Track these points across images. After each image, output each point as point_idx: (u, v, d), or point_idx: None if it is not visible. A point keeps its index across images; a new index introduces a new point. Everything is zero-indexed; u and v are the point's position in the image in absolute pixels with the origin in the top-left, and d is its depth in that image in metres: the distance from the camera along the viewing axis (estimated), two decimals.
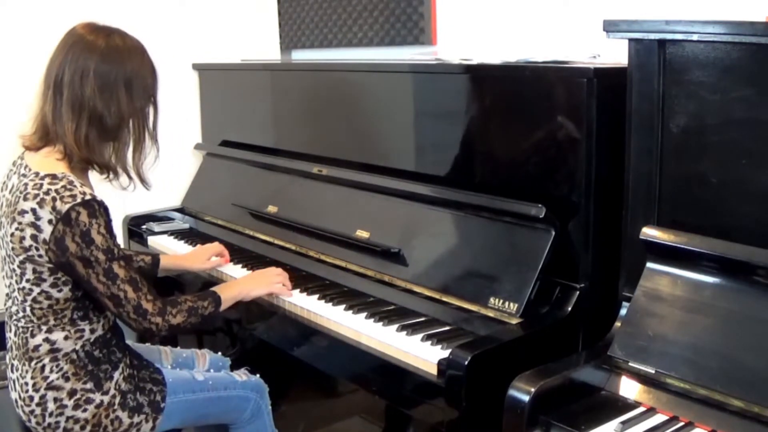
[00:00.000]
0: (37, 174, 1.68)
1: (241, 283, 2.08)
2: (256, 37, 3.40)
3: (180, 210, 3.09)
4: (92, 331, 1.77)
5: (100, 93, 1.70)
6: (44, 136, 1.74)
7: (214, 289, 1.97)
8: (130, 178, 1.81)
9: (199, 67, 3.22)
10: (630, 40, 1.64)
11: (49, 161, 1.71)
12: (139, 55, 1.76)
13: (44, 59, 1.79)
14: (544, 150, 1.91)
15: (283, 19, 3.47)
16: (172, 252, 2.68)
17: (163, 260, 2.27)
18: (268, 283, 2.12)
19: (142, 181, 1.84)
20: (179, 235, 2.84)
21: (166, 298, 1.82)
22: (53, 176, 1.67)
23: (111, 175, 1.80)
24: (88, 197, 1.65)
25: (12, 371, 1.79)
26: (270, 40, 3.46)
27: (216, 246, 2.42)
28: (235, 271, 2.40)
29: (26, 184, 1.67)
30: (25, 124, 1.78)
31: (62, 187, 1.65)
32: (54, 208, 1.63)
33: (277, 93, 2.89)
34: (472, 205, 2.02)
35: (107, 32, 1.75)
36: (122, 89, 1.72)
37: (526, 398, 1.46)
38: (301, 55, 3.45)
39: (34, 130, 1.76)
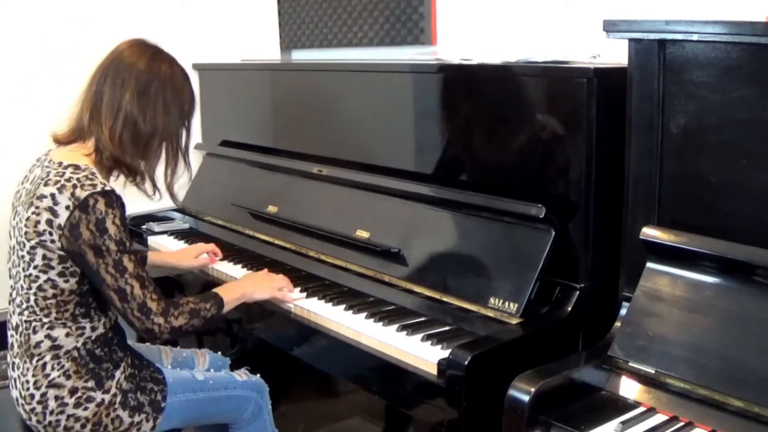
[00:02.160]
0: (60, 164, 1.74)
1: (243, 285, 2.05)
2: (256, 37, 3.40)
3: (180, 210, 3.09)
4: (93, 329, 1.78)
5: (138, 98, 1.78)
6: (77, 131, 1.81)
7: (216, 290, 1.95)
8: (155, 188, 1.88)
9: (199, 67, 3.22)
10: (630, 40, 1.64)
11: (75, 155, 1.77)
12: (180, 81, 1.86)
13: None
14: (544, 150, 1.91)
15: (283, 19, 3.47)
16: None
17: (151, 256, 2.30)
18: (272, 287, 2.10)
19: (173, 197, 1.93)
20: (179, 235, 2.84)
21: (170, 299, 1.81)
22: (76, 166, 1.72)
23: (138, 179, 1.86)
24: (107, 188, 1.70)
25: (13, 369, 1.79)
26: (270, 40, 3.46)
27: (206, 245, 2.44)
28: (236, 271, 2.40)
29: (48, 172, 1.72)
30: (60, 124, 1.85)
31: (84, 176, 1.70)
32: (73, 194, 1.67)
33: (277, 93, 2.89)
34: (472, 205, 2.02)
35: (153, 51, 1.85)
36: (160, 104, 1.81)
37: (526, 398, 1.46)
38: (301, 55, 3.45)
39: (67, 129, 1.83)
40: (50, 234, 1.68)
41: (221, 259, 2.48)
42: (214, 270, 2.42)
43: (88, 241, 1.67)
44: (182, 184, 3.08)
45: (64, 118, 1.85)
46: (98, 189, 1.68)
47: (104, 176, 1.78)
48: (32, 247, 1.71)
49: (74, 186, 1.68)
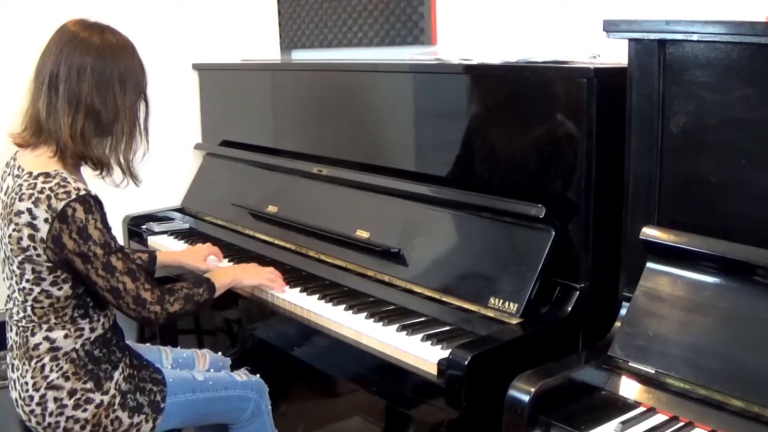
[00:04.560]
0: (30, 174, 1.69)
1: (233, 271, 2.11)
2: (256, 37, 3.40)
3: (180, 210, 3.09)
4: (92, 329, 1.77)
5: (96, 88, 1.72)
6: (37, 132, 1.74)
7: (207, 275, 2.00)
8: (123, 173, 1.82)
9: (199, 67, 3.22)
10: (630, 40, 1.64)
11: (42, 160, 1.72)
12: (130, 51, 1.79)
13: (36, 58, 1.79)
14: (544, 150, 1.91)
15: (283, 19, 3.46)
16: None
17: (160, 256, 2.30)
18: (260, 275, 2.14)
19: (132, 176, 1.84)
20: (179, 235, 2.84)
21: (164, 286, 1.83)
22: (46, 174, 1.68)
23: (104, 171, 1.80)
24: (82, 192, 1.66)
25: (12, 371, 1.79)
26: (270, 40, 3.46)
27: (212, 247, 2.44)
28: None
29: (20, 185, 1.68)
30: (15, 121, 1.78)
31: (56, 184, 1.66)
32: (49, 206, 1.63)
33: (277, 93, 2.89)
34: (472, 205, 2.02)
35: (100, 29, 1.77)
36: (117, 85, 1.74)
37: (526, 398, 1.46)
38: (301, 55, 3.45)
39: (24, 127, 1.76)
40: (35, 248, 1.66)
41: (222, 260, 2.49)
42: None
43: (74, 250, 1.66)
44: (182, 184, 3.13)
45: (18, 114, 1.77)
46: (73, 196, 1.64)
47: (75, 175, 1.75)
48: (21, 263, 1.69)
49: (48, 197, 1.64)
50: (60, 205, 1.63)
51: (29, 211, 1.64)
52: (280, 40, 3.48)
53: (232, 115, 3.10)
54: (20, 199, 1.66)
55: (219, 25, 3.26)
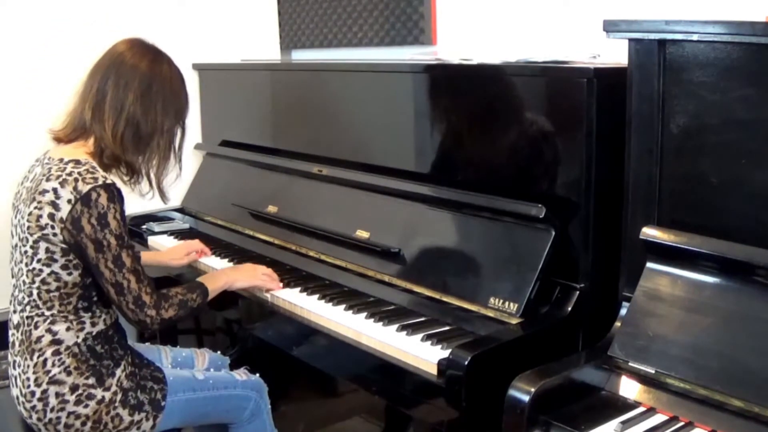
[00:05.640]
0: (61, 160, 1.76)
1: (226, 274, 2.12)
2: (256, 37, 3.40)
3: (180, 210, 3.09)
4: (93, 324, 1.79)
5: (141, 99, 1.81)
6: (79, 129, 1.83)
7: (200, 279, 2.00)
8: (151, 186, 1.91)
9: (199, 67, 3.22)
10: (630, 40, 1.64)
11: (77, 152, 1.80)
12: (178, 80, 1.90)
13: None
14: (545, 150, 1.91)
15: (283, 19, 3.46)
16: None
17: (143, 256, 2.32)
18: (253, 275, 2.15)
19: (162, 193, 1.94)
20: (179, 235, 2.84)
21: (159, 291, 1.85)
22: (77, 161, 1.75)
23: (134, 178, 1.89)
24: (108, 181, 1.74)
25: (14, 368, 1.80)
26: (270, 40, 3.46)
27: (195, 243, 2.47)
28: None
29: (50, 168, 1.75)
30: (57, 120, 1.88)
31: (85, 170, 1.73)
32: (75, 188, 1.70)
33: (277, 93, 2.89)
34: (472, 205, 2.02)
35: (154, 52, 1.88)
36: (160, 105, 1.84)
37: (526, 398, 1.46)
38: (301, 55, 3.45)
39: (65, 125, 1.85)
40: (52, 228, 1.71)
41: (220, 258, 2.49)
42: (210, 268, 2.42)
43: (90, 235, 1.70)
44: (182, 184, 3.12)
45: (61, 113, 1.88)
46: (100, 182, 1.71)
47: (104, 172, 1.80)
48: (35, 241, 1.72)
49: (76, 180, 1.70)
50: (86, 188, 1.69)
51: (54, 190, 1.70)
52: (280, 40, 3.48)
53: (232, 115, 3.10)
54: (47, 180, 1.72)
55: (219, 25, 3.27)
